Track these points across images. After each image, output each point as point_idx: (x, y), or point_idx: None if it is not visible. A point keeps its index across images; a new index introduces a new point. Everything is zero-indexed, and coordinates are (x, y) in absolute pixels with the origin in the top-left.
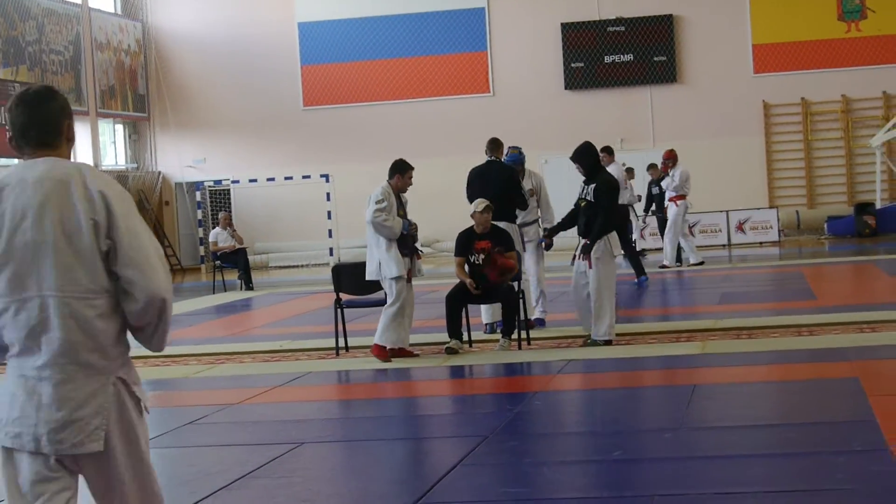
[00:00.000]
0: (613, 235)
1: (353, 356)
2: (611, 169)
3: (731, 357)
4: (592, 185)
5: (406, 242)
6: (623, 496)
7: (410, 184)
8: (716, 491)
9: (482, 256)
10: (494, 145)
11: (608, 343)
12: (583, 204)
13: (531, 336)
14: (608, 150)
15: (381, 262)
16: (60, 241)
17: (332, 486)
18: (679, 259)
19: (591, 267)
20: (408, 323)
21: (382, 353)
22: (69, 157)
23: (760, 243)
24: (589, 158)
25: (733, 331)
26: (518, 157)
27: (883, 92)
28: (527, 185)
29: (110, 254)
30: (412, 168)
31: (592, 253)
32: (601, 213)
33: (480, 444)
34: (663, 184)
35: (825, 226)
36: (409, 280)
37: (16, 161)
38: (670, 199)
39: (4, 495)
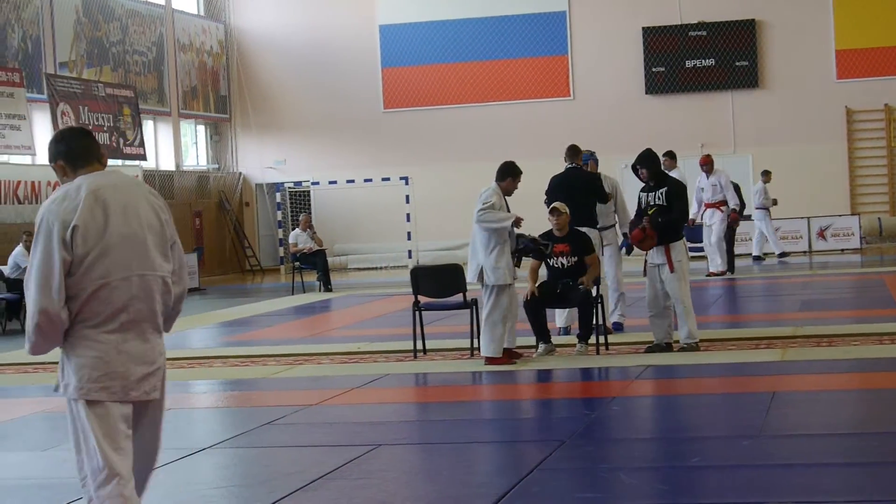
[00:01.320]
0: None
1: (430, 359)
2: (674, 174)
3: (812, 364)
4: (663, 190)
5: (522, 239)
6: (699, 503)
7: (516, 188)
8: (794, 500)
9: (562, 260)
10: (573, 152)
11: (696, 347)
12: (651, 211)
13: (609, 341)
14: (671, 155)
15: (485, 268)
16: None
17: (409, 489)
18: (731, 267)
19: (672, 270)
20: (510, 326)
21: (494, 361)
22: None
23: (842, 250)
24: (655, 164)
25: (814, 338)
26: (588, 157)
27: None
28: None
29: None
30: (521, 172)
31: (673, 256)
32: (677, 214)
33: (557, 448)
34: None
35: None
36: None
37: None
38: (708, 206)
39: (82, 444)
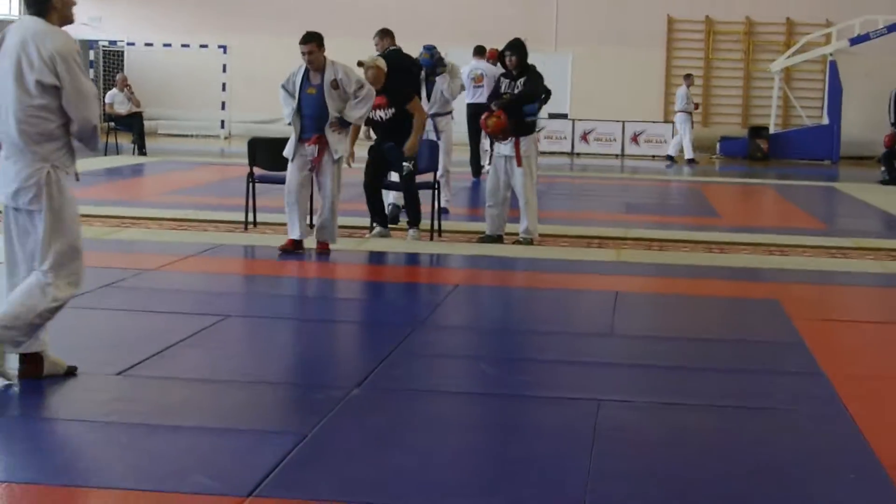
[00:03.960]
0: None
1: (261, 232)
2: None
3: (647, 267)
4: (523, 79)
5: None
6: (568, 398)
7: (305, 59)
8: (661, 400)
9: (380, 113)
10: (384, 34)
11: (531, 242)
12: (506, 97)
13: (442, 228)
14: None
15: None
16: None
17: (269, 362)
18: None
19: (519, 164)
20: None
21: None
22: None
23: (653, 156)
24: (524, 53)
25: (644, 241)
26: (429, 61)
27: (787, 18)
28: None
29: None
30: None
31: (522, 150)
32: (528, 90)
33: (411, 333)
34: None
35: (718, 145)
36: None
37: None
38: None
39: None
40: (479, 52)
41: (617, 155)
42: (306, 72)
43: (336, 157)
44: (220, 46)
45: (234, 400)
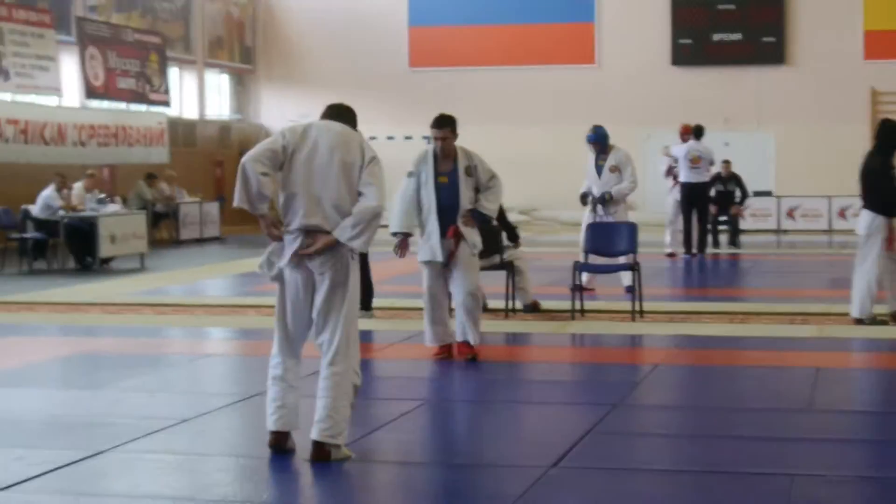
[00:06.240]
0: None
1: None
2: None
3: (850, 343)
4: None
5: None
6: (762, 473)
7: (438, 145)
8: (858, 474)
9: None
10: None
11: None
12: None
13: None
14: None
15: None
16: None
17: (472, 447)
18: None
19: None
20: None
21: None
22: None
23: None
24: None
25: (847, 316)
26: (593, 136)
27: None
28: (610, 161)
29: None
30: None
31: None
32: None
33: (609, 412)
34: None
35: None
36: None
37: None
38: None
39: None
40: (697, 133)
41: (824, 230)
42: (435, 160)
43: (474, 250)
44: (424, 137)
45: (435, 482)
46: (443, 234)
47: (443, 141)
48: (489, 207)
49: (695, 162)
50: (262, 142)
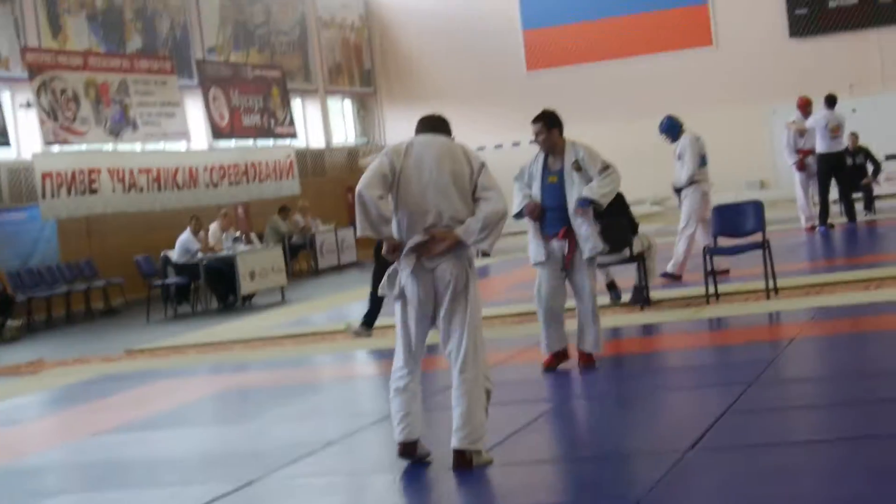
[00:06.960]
0: None
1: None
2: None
3: None
4: None
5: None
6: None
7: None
8: None
9: None
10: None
11: None
12: None
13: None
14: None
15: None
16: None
17: (608, 437)
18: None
19: None
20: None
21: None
22: None
23: None
24: None
25: None
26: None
27: None
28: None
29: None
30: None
31: None
32: None
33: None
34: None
35: None
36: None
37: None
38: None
39: None
40: (830, 102)
41: None
42: (545, 160)
43: (590, 253)
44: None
45: (576, 476)
46: (553, 234)
47: (537, 135)
48: (599, 192)
49: (834, 131)
50: (368, 167)
